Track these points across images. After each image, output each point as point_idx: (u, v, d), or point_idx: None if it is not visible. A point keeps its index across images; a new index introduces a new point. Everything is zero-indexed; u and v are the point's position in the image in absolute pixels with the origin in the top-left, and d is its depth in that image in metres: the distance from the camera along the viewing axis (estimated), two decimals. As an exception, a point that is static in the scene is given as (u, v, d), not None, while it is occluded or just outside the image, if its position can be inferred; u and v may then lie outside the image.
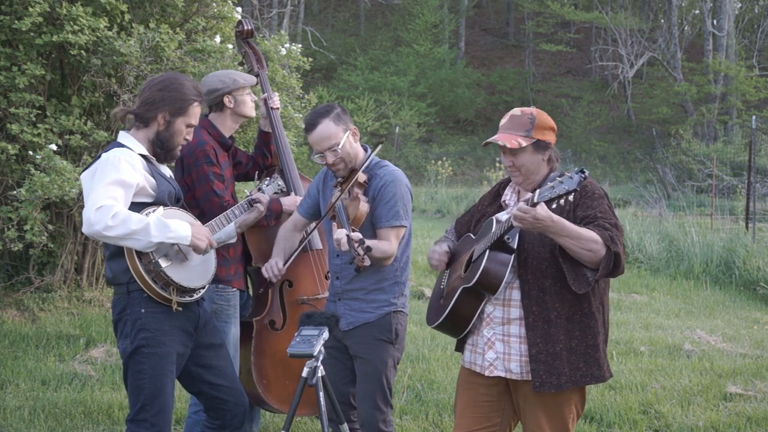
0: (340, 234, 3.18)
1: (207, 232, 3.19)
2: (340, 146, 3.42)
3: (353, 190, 3.41)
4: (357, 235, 3.13)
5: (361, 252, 3.08)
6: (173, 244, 3.07)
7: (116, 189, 2.98)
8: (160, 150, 3.21)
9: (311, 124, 3.46)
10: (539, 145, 3.01)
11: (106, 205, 2.91)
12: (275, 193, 3.80)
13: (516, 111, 3.06)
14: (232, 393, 3.35)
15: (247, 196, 3.60)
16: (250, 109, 4.07)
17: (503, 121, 3.06)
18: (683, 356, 6.38)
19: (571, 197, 2.65)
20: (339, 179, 3.52)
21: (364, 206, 3.37)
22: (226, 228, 3.51)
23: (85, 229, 2.96)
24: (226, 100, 3.97)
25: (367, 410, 3.46)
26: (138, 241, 2.95)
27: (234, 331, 3.96)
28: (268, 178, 3.77)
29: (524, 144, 2.96)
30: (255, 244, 4.04)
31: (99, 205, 2.91)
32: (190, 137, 3.29)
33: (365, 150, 3.59)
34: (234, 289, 3.96)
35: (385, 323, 3.49)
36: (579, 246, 2.77)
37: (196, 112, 3.25)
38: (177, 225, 3.05)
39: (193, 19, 6.82)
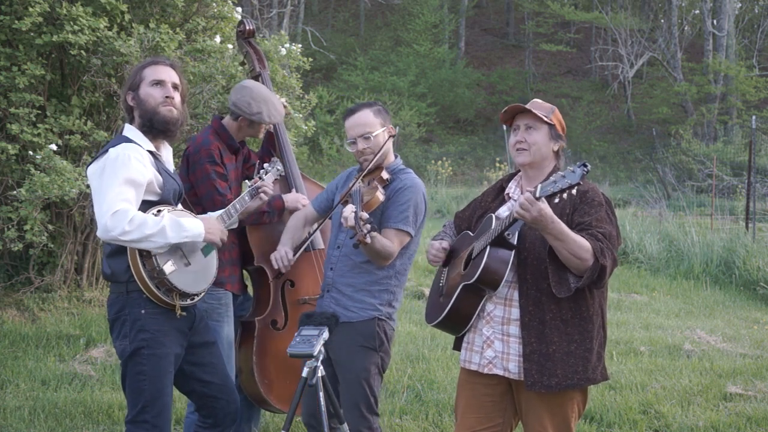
0: (348, 210, 3.18)
1: (218, 225, 3.21)
2: (373, 135, 3.48)
3: (373, 181, 3.43)
4: (365, 215, 3.14)
5: (365, 230, 3.07)
6: (178, 249, 3.08)
7: (128, 190, 2.98)
8: (155, 126, 3.16)
9: (352, 111, 3.57)
10: (553, 133, 3.03)
11: (121, 209, 2.91)
12: (275, 179, 3.80)
13: (537, 100, 3.10)
14: (223, 391, 3.33)
15: (249, 186, 3.59)
16: (258, 134, 4.13)
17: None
18: (683, 356, 6.38)
19: (574, 191, 2.63)
20: (362, 172, 3.53)
21: (380, 195, 3.38)
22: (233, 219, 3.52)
23: (100, 234, 2.95)
24: (243, 120, 3.99)
25: (351, 419, 3.39)
26: (154, 243, 2.97)
27: (227, 330, 3.94)
28: (266, 164, 3.77)
29: (545, 119, 2.99)
30: (256, 244, 4.04)
31: (114, 209, 2.90)
32: (171, 93, 3.18)
33: (396, 157, 3.65)
34: (226, 290, 3.96)
35: (368, 329, 3.44)
36: (570, 251, 2.77)
37: (151, 71, 3.19)
38: (191, 223, 3.07)
39: (193, 19, 6.82)
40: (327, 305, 3.50)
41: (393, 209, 3.45)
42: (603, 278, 2.83)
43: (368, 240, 3.08)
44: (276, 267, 3.74)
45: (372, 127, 3.49)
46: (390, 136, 3.57)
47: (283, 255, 3.71)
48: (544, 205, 2.68)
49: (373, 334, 3.45)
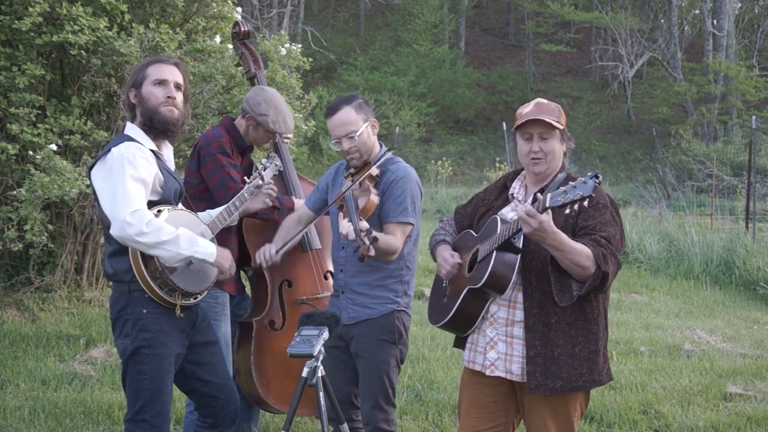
0: (346, 227, 3.15)
1: (229, 255, 3.22)
2: (357, 134, 3.44)
3: (364, 182, 3.40)
4: (364, 225, 3.11)
5: (368, 242, 3.05)
6: None
7: (140, 188, 2.98)
8: (155, 126, 3.15)
9: (332, 109, 3.50)
10: (564, 136, 3.00)
11: (141, 209, 2.92)
12: (274, 174, 3.80)
13: (541, 100, 3.04)
14: (223, 390, 3.33)
15: (248, 183, 3.58)
16: (262, 142, 4.13)
17: (528, 108, 2.99)
18: (683, 356, 6.38)
19: (585, 203, 2.59)
20: (350, 171, 3.52)
21: (374, 198, 3.36)
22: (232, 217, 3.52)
23: (115, 232, 2.93)
24: (250, 119, 3.98)
25: (369, 410, 3.46)
26: (166, 252, 2.96)
27: (224, 329, 3.93)
28: (265, 160, 3.76)
29: (560, 127, 2.94)
30: (254, 246, 4.03)
31: (135, 208, 2.90)
32: (173, 93, 3.18)
33: (381, 146, 3.60)
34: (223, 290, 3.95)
35: (387, 323, 3.48)
36: (570, 261, 2.76)
37: (155, 69, 3.18)
38: (205, 243, 3.08)
39: (193, 19, 6.82)
40: (344, 306, 3.51)
41: (390, 203, 3.44)
42: (605, 284, 2.81)
43: (371, 253, 3.06)
44: (258, 262, 3.71)
45: (355, 125, 3.45)
46: (375, 129, 3.52)
47: (266, 250, 3.68)
48: (546, 218, 2.65)
49: (393, 328, 3.48)
